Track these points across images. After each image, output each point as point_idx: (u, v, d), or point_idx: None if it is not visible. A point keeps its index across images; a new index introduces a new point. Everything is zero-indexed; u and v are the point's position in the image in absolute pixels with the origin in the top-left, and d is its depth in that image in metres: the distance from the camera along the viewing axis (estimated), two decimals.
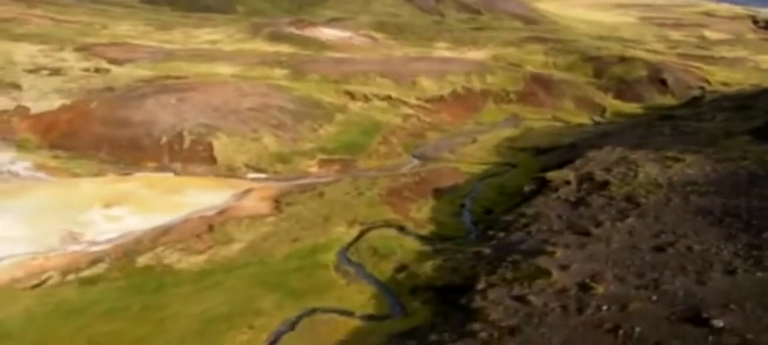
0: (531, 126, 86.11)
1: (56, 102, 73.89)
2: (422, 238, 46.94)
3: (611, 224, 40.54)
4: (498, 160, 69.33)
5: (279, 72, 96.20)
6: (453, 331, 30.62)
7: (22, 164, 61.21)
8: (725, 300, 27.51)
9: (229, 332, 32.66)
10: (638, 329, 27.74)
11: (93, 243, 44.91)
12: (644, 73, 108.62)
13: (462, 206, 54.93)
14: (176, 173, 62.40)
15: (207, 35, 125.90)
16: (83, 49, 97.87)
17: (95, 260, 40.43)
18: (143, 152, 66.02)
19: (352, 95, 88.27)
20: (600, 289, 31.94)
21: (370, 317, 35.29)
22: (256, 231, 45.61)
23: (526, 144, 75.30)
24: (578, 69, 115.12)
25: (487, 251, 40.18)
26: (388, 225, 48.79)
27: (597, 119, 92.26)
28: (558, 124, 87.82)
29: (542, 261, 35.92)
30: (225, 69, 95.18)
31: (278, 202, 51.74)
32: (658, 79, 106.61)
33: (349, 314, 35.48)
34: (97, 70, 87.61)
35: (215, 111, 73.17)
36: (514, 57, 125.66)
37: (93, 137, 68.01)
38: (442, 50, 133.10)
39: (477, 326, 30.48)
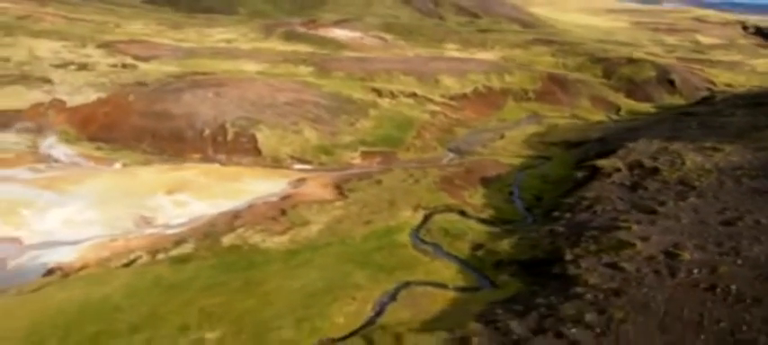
0: (553, 123, 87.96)
1: (92, 96, 74.31)
2: (483, 221, 48.28)
3: (674, 203, 42.33)
4: (532, 153, 70.99)
5: (304, 69, 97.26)
6: (558, 295, 32.09)
7: (69, 154, 61.62)
8: None
9: (335, 303, 33.70)
10: (733, 287, 29.55)
11: (167, 226, 45.67)
12: (653, 74, 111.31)
13: (511, 193, 56.34)
14: (222, 164, 63.09)
15: (220, 34, 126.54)
16: (105, 46, 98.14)
17: (179, 241, 41.19)
18: (186, 143, 66.62)
19: (379, 92, 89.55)
20: (686, 256, 33.70)
21: (462, 289, 36.53)
22: (328, 214, 46.64)
23: (555, 138, 77.09)
24: (588, 70, 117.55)
25: (561, 229, 41.71)
26: (449, 209, 50.08)
27: (614, 116, 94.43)
28: (578, 121, 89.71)
29: (622, 235, 37.61)
30: (250, 66, 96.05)
31: (340, 189, 52.81)
32: (666, 80, 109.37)
33: (442, 286, 36.73)
34: (124, 66, 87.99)
35: (252, 105, 74.01)
36: (523, 58, 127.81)
37: (133, 130, 68.48)
38: (452, 51, 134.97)
39: (579, 290, 32.06)
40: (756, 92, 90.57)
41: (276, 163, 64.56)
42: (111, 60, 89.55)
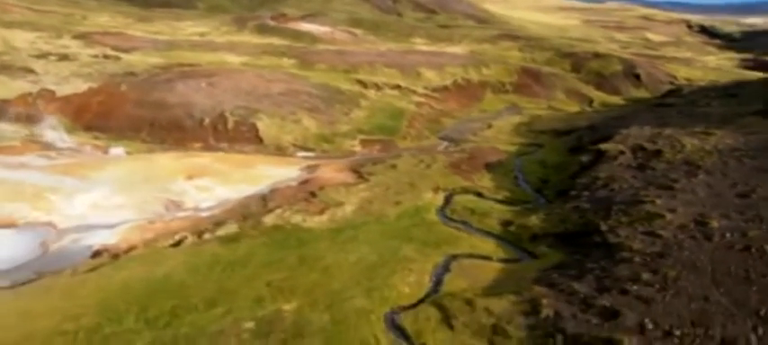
0: (533, 113, 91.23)
1: (82, 86, 73.02)
2: (500, 202, 50.30)
3: (686, 180, 45.37)
4: (524, 141, 73.62)
5: (286, 61, 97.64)
6: (606, 260, 34.38)
7: (69, 142, 60.91)
8: None
9: (396, 275, 34.99)
10: (766, 247, 32.41)
11: (197, 209, 46.01)
12: (619, 68, 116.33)
13: (515, 177, 58.49)
14: (225, 152, 63.33)
15: (191, 28, 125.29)
16: (82, 37, 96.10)
17: (220, 222, 41.65)
18: (186, 132, 66.59)
19: (364, 84, 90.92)
20: (714, 224, 36.59)
21: (505, 261, 38.37)
22: (356, 196, 47.76)
23: (541, 128, 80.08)
24: (557, 64, 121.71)
25: (586, 205, 44.17)
26: (465, 191, 51.97)
27: (588, 108, 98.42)
28: (556, 112, 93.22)
29: (648, 208, 40.33)
30: (233, 58, 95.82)
31: (358, 173, 53.96)
32: (632, 74, 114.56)
33: (487, 258, 38.50)
34: (106, 57, 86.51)
35: (248, 95, 74.28)
36: (492, 53, 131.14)
37: (129, 119, 67.96)
38: (421, 46, 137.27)
39: (626, 255, 34.47)
40: (723, 85, 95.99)
41: (279, 151, 65.23)
42: (92, 51, 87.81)
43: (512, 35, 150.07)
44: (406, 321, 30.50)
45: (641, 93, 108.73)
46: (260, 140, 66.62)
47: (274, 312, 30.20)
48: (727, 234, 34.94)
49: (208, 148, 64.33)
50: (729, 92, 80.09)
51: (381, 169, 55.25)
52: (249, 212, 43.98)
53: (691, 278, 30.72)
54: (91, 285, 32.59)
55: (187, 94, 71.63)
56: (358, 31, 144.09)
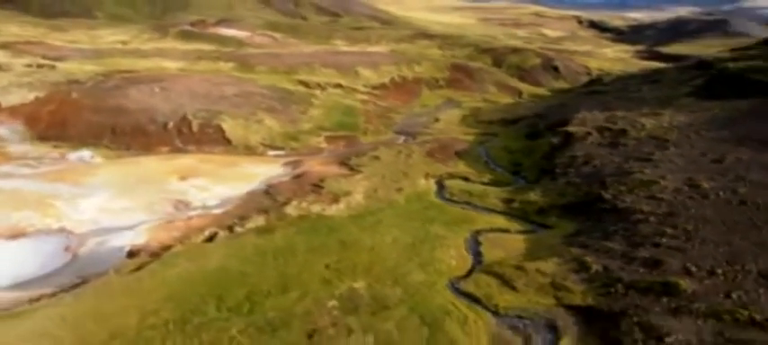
0: (472, 106, 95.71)
1: (28, 95, 69.43)
2: (485, 184, 53.55)
3: (661, 152, 50.58)
4: (475, 131, 77.51)
5: (225, 65, 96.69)
6: (624, 222, 38.37)
7: (32, 150, 58.39)
8: None
9: (436, 251, 37.18)
10: (758, 200, 37.58)
11: (206, 207, 45.94)
12: (538, 61, 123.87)
13: (486, 163, 62.01)
14: (193, 154, 62.73)
15: (110, 36, 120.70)
16: (5, 47, 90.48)
17: (244, 216, 41.99)
18: (150, 137, 65.25)
19: (307, 84, 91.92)
20: (705, 185, 41.64)
21: (524, 232, 41.50)
22: (358, 185, 49.30)
23: (487, 118, 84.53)
24: (478, 60, 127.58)
25: (577, 180, 48.32)
26: (451, 176, 54.89)
27: (520, 99, 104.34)
28: (492, 104, 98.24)
29: (640, 176, 45.01)
30: (170, 64, 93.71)
31: (346, 165, 55.44)
32: (551, 66, 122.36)
33: (506, 231, 41.51)
34: (40, 66, 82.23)
35: (204, 98, 73.52)
36: (413, 51, 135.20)
37: (88, 126, 65.69)
38: (342, 47, 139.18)
39: (639, 216, 38.72)
40: (641, 73, 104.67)
41: (249, 151, 65.36)
42: (23, 60, 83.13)
43: (426, 34, 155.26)
44: (468, 288, 32.80)
45: (561, 84, 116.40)
46: (227, 141, 66.27)
47: (348, 290, 31.55)
48: (721, 193, 39.88)
49: (175, 151, 63.30)
50: (651, 79, 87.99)
51: (367, 161, 57.00)
52: (263, 206, 44.51)
53: (708, 230, 35.10)
54: (149, 282, 32.36)
55: (143, 99, 69.91)
56: (277, 35, 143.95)
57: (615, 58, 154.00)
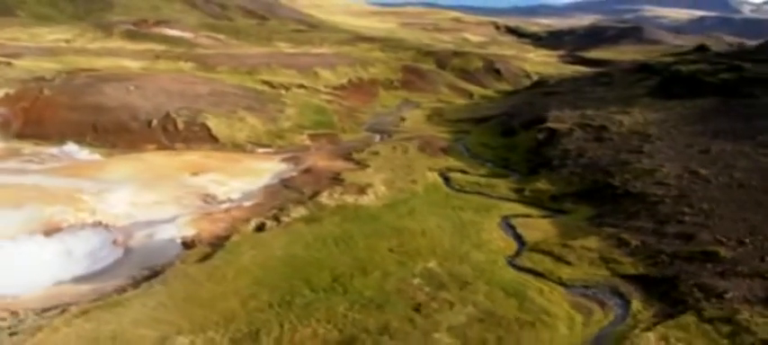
0: (431, 106, 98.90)
1: None
2: (483, 176, 56.52)
3: (649, 145, 55.30)
4: (446, 129, 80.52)
5: (185, 65, 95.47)
6: (639, 204, 42.41)
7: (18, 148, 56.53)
8: None
9: (481, 234, 39.73)
10: (753, 183, 42.68)
11: (230, 200, 46.40)
12: (480, 64, 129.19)
13: (473, 157, 64.90)
14: (178, 152, 62.41)
15: (51, 34, 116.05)
16: None
17: (281, 208, 42.77)
18: (135, 134, 64.33)
19: (271, 84, 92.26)
20: (703, 172, 46.44)
21: (545, 216, 44.73)
22: (374, 177, 50.91)
23: (452, 117, 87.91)
24: (422, 62, 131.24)
25: (578, 170, 52.19)
26: (449, 170, 57.40)
27: (472, 100, 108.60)
28: (452, 104, 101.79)
29: (640, 166, 49.51)
30: (130, 63, 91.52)
31: (351, 160, 57.07)
32: (493, 69, 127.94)
33: (529, 216, 44.64)
34: None
35: (181, 97, 72.82)
36: (356, 53, 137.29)
37: (68, 124, 63.95)
38: (286, 49, 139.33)
39: (654, 199, 42.97)
40: (587, 75, 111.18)
41: (238, 148, 65.53)
42: None
43: (365, 37, 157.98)
44: (526, 264, 35.60)
45: (504, 86, 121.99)
46: (214, 139, 66.09)
47: (425, 269, 33.56)
48: (719, 178, 44.71)
49: (163, 149, 62.67)
50: (598, 81, 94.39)
51: (368, 156, 58.84)
52: (293, 198, 45.60)
53: (722, 208, 39.59)
54: (227, 269, 32.67)
55: (121, 97, 68.51)
56: (220, 36, 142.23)
57: (541, 62, 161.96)
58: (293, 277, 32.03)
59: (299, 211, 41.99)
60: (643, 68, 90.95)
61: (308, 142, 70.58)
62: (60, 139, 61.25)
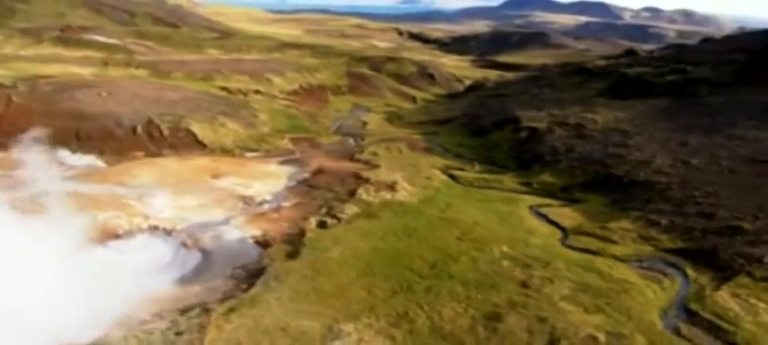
0: (385, 110, 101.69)
1: None
2: (486, 172, 60.03)
3: (631, 140, 60.84)
4: (411, 131, 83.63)
5: (136, 71, 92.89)
6: (649, 191, 47.58)
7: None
8: (753, 153, 50.95)
9: (524, 221, 43.51)
10: (741, 169, 49.05)
11: (266, 201, 47.31)
12: (414, 69, 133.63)
13: (458, 156, 68.16)
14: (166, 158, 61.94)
15: None
16: None
17: (330, 206, 44.40)
18: (120, 141, 62.80)
19: (229, 90, 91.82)
20: (693, 162, 52.41)
21: (565, 205, 49.00)
22: (392, 175, 53.26)
23: (414, 120, 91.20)
24: (357, 68, 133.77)
25: (575, 164, 57.05)
26: (449, 168, 60.59)
27: (418, 104, 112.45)
28: (402, 108, 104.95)
29: (634, 157, 54.88)
30: (80, 70, 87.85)
31: (356, 160, 59.31)
32: (427, 74, 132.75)
33: (551, 205, 48.78)
34: None
35: (156, 103, 71.68)
36: (287, 59, 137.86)
37: (47, 132, 61.37)
38: (217, 55, 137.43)
39: (660, 186, 48.22)
40: (528, 78, 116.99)
41: (227, 153, 65.59)
42: None
43: (293, 44, 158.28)
44: (579, 245, 39.59)
45: (439, 90, 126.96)
46: (201, 145, 65.63)
47: (502, 253, 36.76)
48: (710, 166, 50.84)
49: (151, 155, 61.62)
50: (540, 84, 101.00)
51: (371, 156, 61.24)
52: (329, 197, 47.20)
53: (725, 191, 45.46)
54: (329, 264, 34.01)
55: (98, 104, 66.59)
56: (149, 43, 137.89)
57: (457, 66, 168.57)
58: (393, 266, 34.10)
59: (351, 209, 43.71)
60: (579, 71, 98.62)
61: (290, 146, 71.31)
62: (50, 147, 58.83)
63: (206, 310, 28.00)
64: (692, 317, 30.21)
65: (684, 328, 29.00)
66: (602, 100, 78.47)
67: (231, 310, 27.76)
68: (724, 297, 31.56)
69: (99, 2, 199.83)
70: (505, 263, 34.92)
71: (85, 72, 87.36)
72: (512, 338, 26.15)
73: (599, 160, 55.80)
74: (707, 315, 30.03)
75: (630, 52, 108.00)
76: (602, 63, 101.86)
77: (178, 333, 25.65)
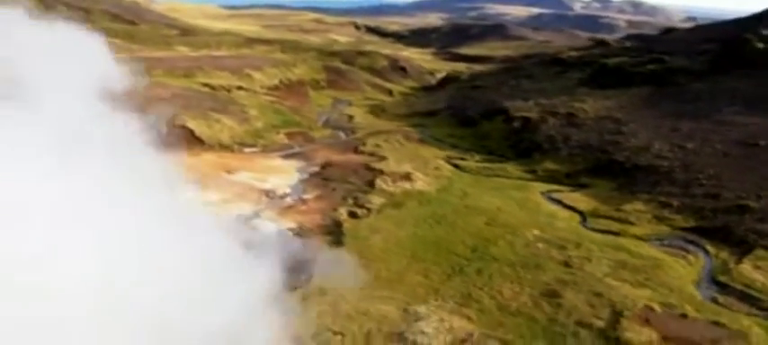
0: (366, 103, 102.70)
1: None
2: (488, 162, 61.87)
3: (626, 127, 63.34)
4: (398, 124, 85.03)
5: None
6: (655, 175, 50.16)
7: None
8: (743, 136, 54.24)
9: (541, 205, 45.51)
10: (734, 152, 52.13)
11: (286, 195, 47.97)
12: (386, 63, 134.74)
13: (453, 146, 69.90)
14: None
15: None
16: None
17: (353, 198, 45.29)
18: None
19: (212, 86, 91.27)
20: (688, 146, 55.30)
21: (574, 190, 51.17)
22: (403, 166, 54.45)
23: (399, 112, 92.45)
24: (329, 62, 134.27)
25: (576, 152, 59.39)
26: (451, 158, 62.20)
27: (395, 97, 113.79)
28: (384, 101, 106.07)
29: (632, 144, 57.43)
30: None
31: (362, 152, 60.30)
32: (399, 67, 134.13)
33: (561, 191, 50.91)
34: None
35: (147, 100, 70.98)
36: (258, 55, 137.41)
37: None
38: (187, 52, 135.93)
39: (663, 169, 50.87)
40: (503, 69, 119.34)
41: (226, 149, 65.67)
42: None
43: (260, 40, 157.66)
44: (600, 226, 41.68)
45: (412, 83, 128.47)
46: (198, 140, 65.29)
47: (533, 236, 38.55)
48: (705, 150, 53.77)
49: None
50: (518, 74, 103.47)
51: (374, 149, 62.18)
52: (350, 189, 48.14)
53: (725, 173, 48.35)
54: (374, 252, 35.19)
55: None
56: (116, 40, 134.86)
57: (422, 59, 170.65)
58: (438, 252, 35.47)
59: (377, 199, 44.80)
60: (555, 62, 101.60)
61: (287, 140, 71.73)
62: None
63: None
64: (723, 288, 32.58)
65: (721, 298, 31.25)
66: (585, 89, 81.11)
67: (304, 298, 28.59)
68: (748, 269, 34.07)
69: None
70: (541, 245, 36.68)
71: None
72: (577, 312, 27.84)
73: (598, 147, 58.20)
74: (737, 286, 32.47)
75: (602, 43, 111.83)
76: (575, 53, 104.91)
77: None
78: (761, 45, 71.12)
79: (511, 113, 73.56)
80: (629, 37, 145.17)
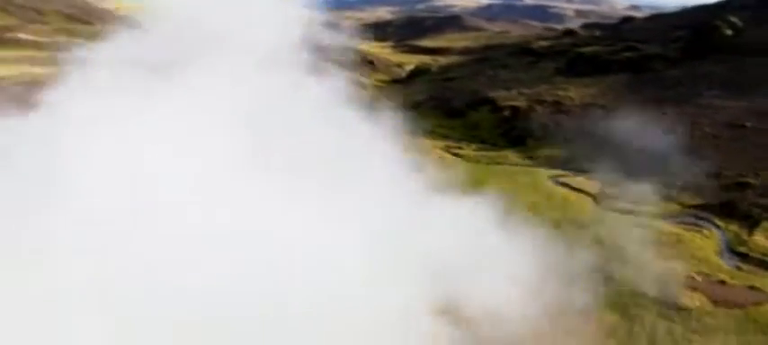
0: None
1: None
2: (485, 150, 63.92)
3: (612, 112, 66.11)
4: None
5: None
6: (655, 158, 52.94)
7: None
8: (729, 119, 57.87)
9: (553, 189, 47.69)
10: (724, 135, 55.49)
11: None
12: (356, 57, 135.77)
13: (445, 136, 71.84)
14: None
15: None
16: None
17: None
18: None
19: None
20: (680, 129, 58.20)
21: (579, 175, 53.56)
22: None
23: (381, 105, 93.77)
24: None
25: (569, 136, 61.89)
26: (449, 148, 64.21)
27: (366, 90, 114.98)
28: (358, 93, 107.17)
29: (622, 129, 59.91)
30: (39, 70, 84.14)
31: None
32: (368, 61, 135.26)
33: (567, 175, 53.30)
34: None
35: None
36: None
37: None
38: None
39: (660, 153, 53.49)
40: (475, 59, 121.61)
41: None
42: None
43: None
44: (615, 207, 44.14)
45: (383, 76, 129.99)
46: None
47: (558, 217, 40.59)
48: (696, 133, 57.06)
49: None
50: (491, 64, 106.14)
51: None
52: None
53: (718, 153, 51.62)
54: None
55: None
56: (80, 41, 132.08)
57: (381, 52, 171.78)
58: None
59: None
60: (527, 52, 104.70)
61: None
62: None
63: None
64: (743, 257, 35.34)
65: (743, 265, 33.97)
66: (562, 78, 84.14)
67: None
68: (762, 239, 37.05)
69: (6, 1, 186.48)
70: (566, 225, 38.78)
71: (44, 71, 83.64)
72: (627, 282, 29.96)
73: (590, 132, 60.75)
74: (755, 255, 35.28)
75: (570, 32, 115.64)
76: (545, 43, 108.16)
77: None
78: (730, 31, 75.34)
79: (498, 103, 75.78)
80: (589, 26, 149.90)
